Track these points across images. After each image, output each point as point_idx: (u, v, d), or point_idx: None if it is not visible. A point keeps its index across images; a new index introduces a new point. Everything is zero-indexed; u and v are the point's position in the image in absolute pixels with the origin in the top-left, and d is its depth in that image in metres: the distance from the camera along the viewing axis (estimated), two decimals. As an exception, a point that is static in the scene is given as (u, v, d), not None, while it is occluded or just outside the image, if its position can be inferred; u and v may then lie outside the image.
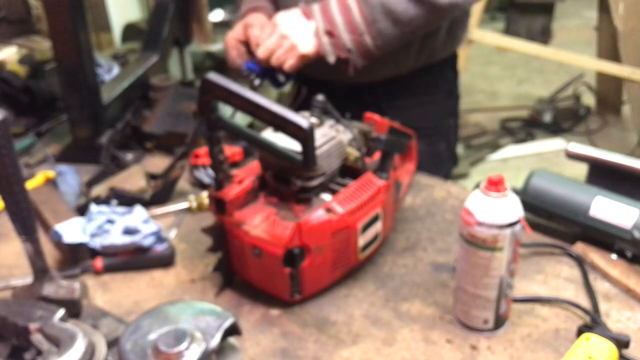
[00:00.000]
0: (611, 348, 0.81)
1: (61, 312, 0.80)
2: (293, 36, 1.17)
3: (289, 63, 1.19)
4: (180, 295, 1.00)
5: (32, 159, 1.43)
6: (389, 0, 1.15)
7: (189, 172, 1.33)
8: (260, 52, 1.20)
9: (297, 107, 1.28)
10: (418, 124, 1.20)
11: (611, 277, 1.00)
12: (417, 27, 1.19)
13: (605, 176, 1.09)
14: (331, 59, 1.17)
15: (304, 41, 1.18)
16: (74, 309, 0.86)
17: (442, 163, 1.43)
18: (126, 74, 1.63)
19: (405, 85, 1.38)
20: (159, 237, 1.06)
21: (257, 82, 1.27)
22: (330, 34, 1.15)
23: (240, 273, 0.99)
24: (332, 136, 0.99)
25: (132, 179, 1.27)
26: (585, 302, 0.95)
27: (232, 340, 0.82)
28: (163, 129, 1.47)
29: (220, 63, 3.26)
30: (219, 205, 0.94)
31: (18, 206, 0.83)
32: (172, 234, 1.15)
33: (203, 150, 1.32)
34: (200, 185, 1.31)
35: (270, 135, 0.95)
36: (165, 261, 1.06)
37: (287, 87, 1.42)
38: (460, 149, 3.42)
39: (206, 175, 1.30)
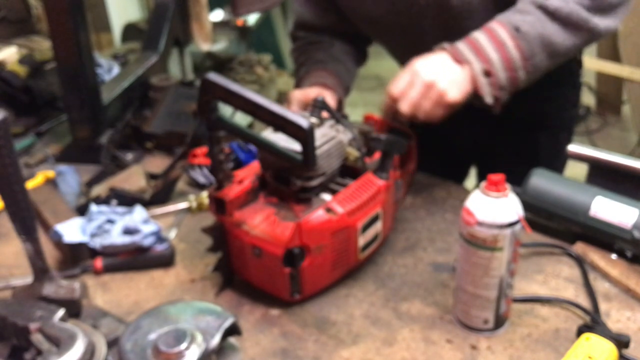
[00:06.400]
0: (611, 348, 0.81)
1: (61, 312, 0.80)
2: (441, 83, 1.02)
3: (438, 115, 1.05)
4: (180, 295, 1.00)
5: (32, 159, 1.43)
6: (547, 32, 1.06)
7: (186, 172, 1.33)
8: (404, 107, 1.05)
9: None
10: (543, 115, 1.13)
11: (611, 277, 1.00)
12: (569, 55, 1.13)
13: (605, 176, 1.09)
14: (489, 100, 1.06)
15: (453, 88, 1.03)
16: (74, 309, 0.86)
17: (562, 152, 1.40)
18: (126, 74, 1.63)
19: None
20: (159, 237, 1.06)
21: None
22: (488, 73, 1.05)
23: (240, 273, 0.99)
24: (332, 136, 0.99)
25: (132, 179, 1.27)
26: (585, 302, 0.95)
27: (232, 340, 0.82)
28: (163, 129, 1.47)
29: (220, 63, 3.26)
30: (219, 205, 0.94)
31: (18, 206, 0.83)
32: (172, 234, 1.15)
33: (200, 150, 1.31)
34: (195, 184, 1.31)
35: (270, 135, 0.95)
36: (165, 261, 1.06)
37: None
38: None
39: (201, 175, 1.29)
